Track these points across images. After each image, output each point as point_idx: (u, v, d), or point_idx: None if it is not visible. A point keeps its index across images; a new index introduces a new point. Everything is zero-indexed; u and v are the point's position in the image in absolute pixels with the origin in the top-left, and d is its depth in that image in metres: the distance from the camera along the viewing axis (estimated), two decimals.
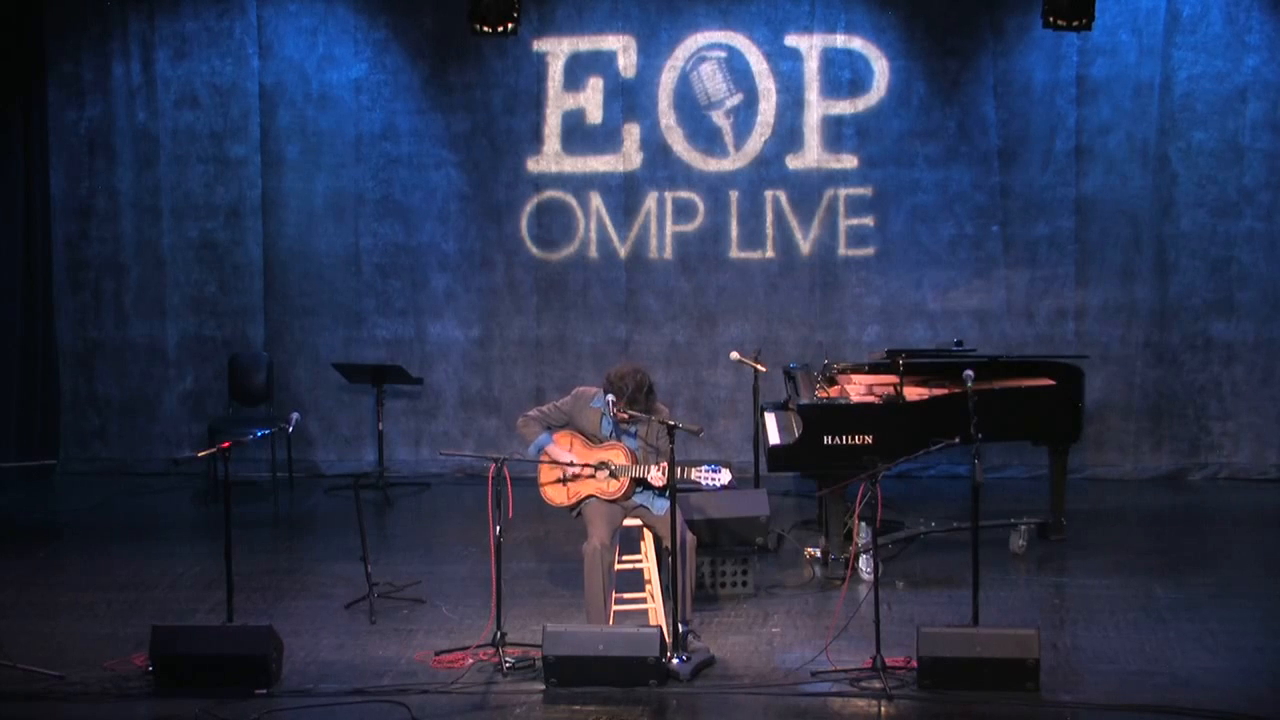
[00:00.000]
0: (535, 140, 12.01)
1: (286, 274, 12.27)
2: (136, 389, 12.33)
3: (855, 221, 11.94)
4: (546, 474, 7.94)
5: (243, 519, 9.92)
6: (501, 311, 12.22)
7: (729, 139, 11.92)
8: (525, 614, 8.34)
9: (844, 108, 11.82)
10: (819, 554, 9.26)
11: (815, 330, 11.93)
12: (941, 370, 9.58)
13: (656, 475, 7.68)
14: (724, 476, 7.62)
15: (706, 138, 11.91)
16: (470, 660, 7.67)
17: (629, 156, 12.04)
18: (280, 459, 11.71)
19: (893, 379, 9.37)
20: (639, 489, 7.91)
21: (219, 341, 12.24)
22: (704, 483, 7.62)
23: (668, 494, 7.60)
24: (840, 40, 11.77)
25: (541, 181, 12.11)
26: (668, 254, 12.09)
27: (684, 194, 12.04)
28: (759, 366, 10.43)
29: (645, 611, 8.08)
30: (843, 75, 11.83)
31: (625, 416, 7.71)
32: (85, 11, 12.07)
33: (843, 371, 9.94)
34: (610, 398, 7.77)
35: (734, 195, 12.03)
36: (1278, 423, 11.69)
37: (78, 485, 12.03)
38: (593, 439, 7.97)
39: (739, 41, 11.84)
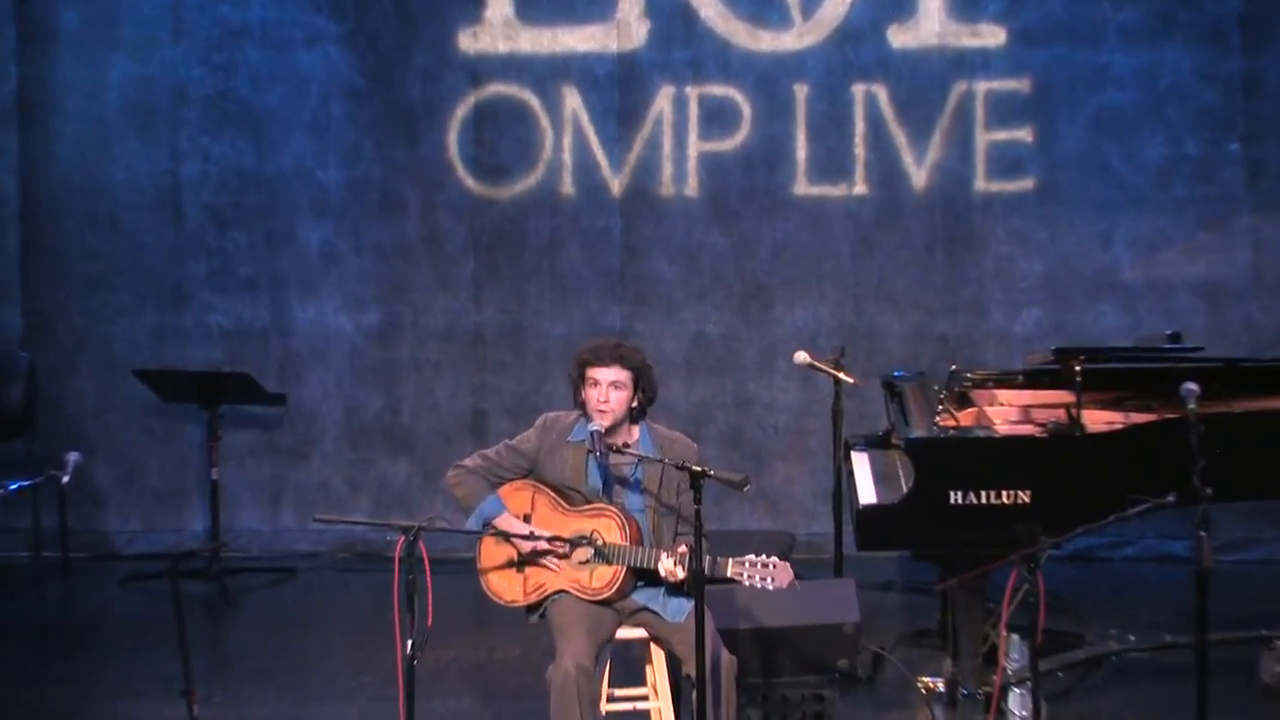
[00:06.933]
0: (472, 3, 10.42)
1: (58, 221, 10.62)
2: None
3: (1002, 135, 10.16)
4: (490, 556, 6.71)
5: None
6: (416, 284, 10.59)
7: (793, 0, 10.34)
8: None
9: None
10: (942, 687, 7.97)
11: (936, 316, 10.30)
12: (1144, 383, 8.14)
13: (669, 562, 6.49)
14: (783, 575, 6.50)
15: None
16: None
17: (626, 28, 10.35)
18: (49, 528, 10.25)
19: (1065, 396, 7.93)
20: (640, 583, 6.67)
21: None
22: (748, 583, 6.54)
23: (688, 590, 6.53)
24: None
25: (482, 69, 10.41)
26: (690, 189, 10.33)
27: (718, 90, 10.23)
28: (842, 375, 8.89)
29: None
30: None
31: (629, 446, 6.47)
32: None
33: (981, 384, 8.60)
34: (595, 427, 6.39)
35: (801, 92, 10.19)
36: None
37: None
38: (568, 498, 6.74)
39: None
